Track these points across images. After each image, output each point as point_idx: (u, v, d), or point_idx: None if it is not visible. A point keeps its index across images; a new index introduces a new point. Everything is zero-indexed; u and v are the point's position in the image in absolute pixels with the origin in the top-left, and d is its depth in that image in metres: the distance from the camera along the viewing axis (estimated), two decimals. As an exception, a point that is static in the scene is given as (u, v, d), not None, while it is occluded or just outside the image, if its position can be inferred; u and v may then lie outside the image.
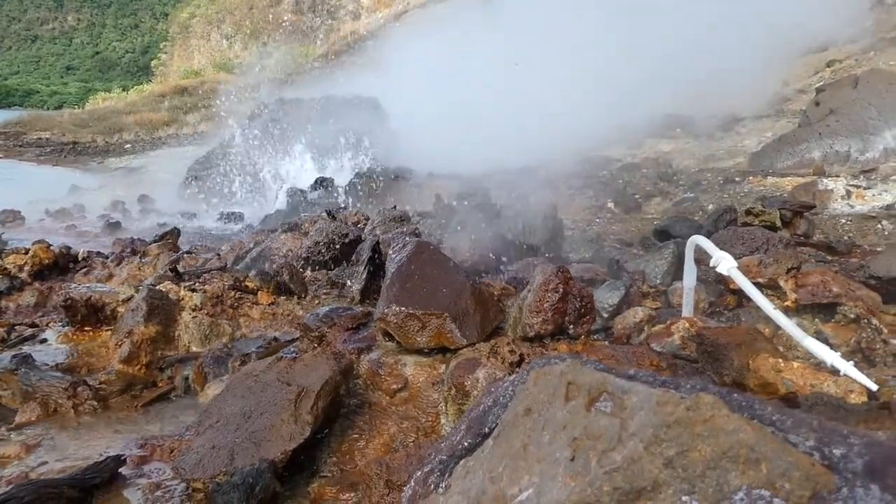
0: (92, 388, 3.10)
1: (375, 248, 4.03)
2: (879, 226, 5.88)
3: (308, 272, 4.56)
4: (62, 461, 2.47)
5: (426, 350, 2.79)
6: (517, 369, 2.47)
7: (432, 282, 2.92)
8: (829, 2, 12.93)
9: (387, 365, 2.80)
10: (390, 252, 3.26)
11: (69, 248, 5.95)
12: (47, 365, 3.34)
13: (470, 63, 14.25)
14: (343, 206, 7.64)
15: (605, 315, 3.36)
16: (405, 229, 5.07)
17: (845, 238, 5.50)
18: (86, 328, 3.87)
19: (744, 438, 1.04)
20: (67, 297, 3.89)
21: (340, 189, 9.90)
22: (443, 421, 2.53)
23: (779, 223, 5.60)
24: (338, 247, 4.63)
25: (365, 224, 5.73)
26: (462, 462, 1.52)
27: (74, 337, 3.81)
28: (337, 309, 3.43)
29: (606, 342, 2.98)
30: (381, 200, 8.75)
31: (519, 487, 1.26)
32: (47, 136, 31.25)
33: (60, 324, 4.08)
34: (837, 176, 7.67)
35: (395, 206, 6.04)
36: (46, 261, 5.54)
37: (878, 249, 4.69)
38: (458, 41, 16.67)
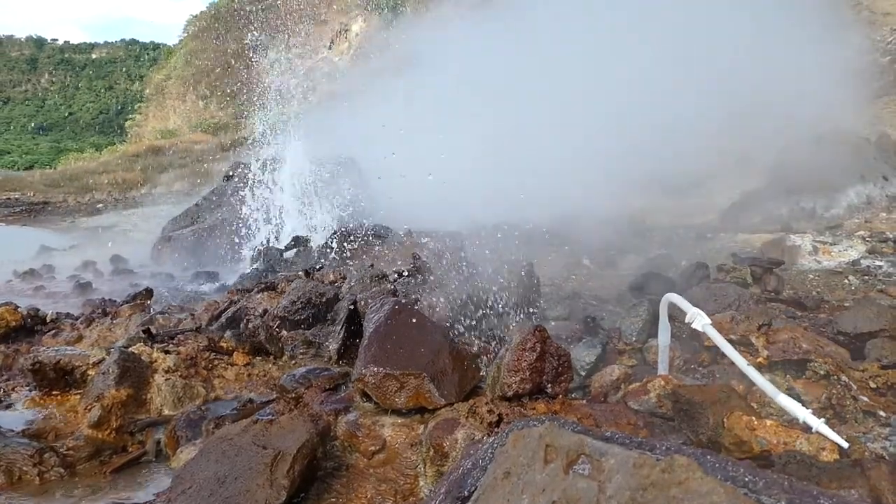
0: (59, 454, 3.02)
1: (353, 308, 4.04)
2: (846, 281, 6.02)
3: (284, 332, 4.52)
4: (26, 532, 2.39)
5: (404, 410, 2.78)
6: (496, 429, 2.47)
7: (410, 342, 2.93)
8: (789, 61, 13.43)
9: (364, 426, 2.78)
10: (368, 312, 3.27)
11: (37, 309, 5.84)
12: (13, 431, 3.24)
13: (445, 121, 14.51)
14: (320, 264, 7.62)
15: (583, 373, 3.39)
16: (383, 288, 5.07)
17: (814, 293, 5.61)
18: (54, 392, 3.77)
19: (717, 501, 1.05)
20: (35, 360, 3.80)
21: (317, 248, 9.90)
22: (421, 483, 2.50)
23: (750, 279, 5.73)
24: (315, 306, 4.61)
25: (342, 283, 5.71)
26: (441, 527, 1.51)
27: (42, 401, 3.71)
28: (314, 369, 3.42)
29: (584, 401, 2.98)
30: (359, 259, 8.76)
31: (499, 553, 1.26)
32: (17, 195, 30.90)
33: (27, 388, 3.98)
34: (804, 232, 7.89)
35: (371, 265, 6.05)
36: (13, 323, 5.43)
37: (846, 305, 4.80)
38: (432, 100, 17.01)
